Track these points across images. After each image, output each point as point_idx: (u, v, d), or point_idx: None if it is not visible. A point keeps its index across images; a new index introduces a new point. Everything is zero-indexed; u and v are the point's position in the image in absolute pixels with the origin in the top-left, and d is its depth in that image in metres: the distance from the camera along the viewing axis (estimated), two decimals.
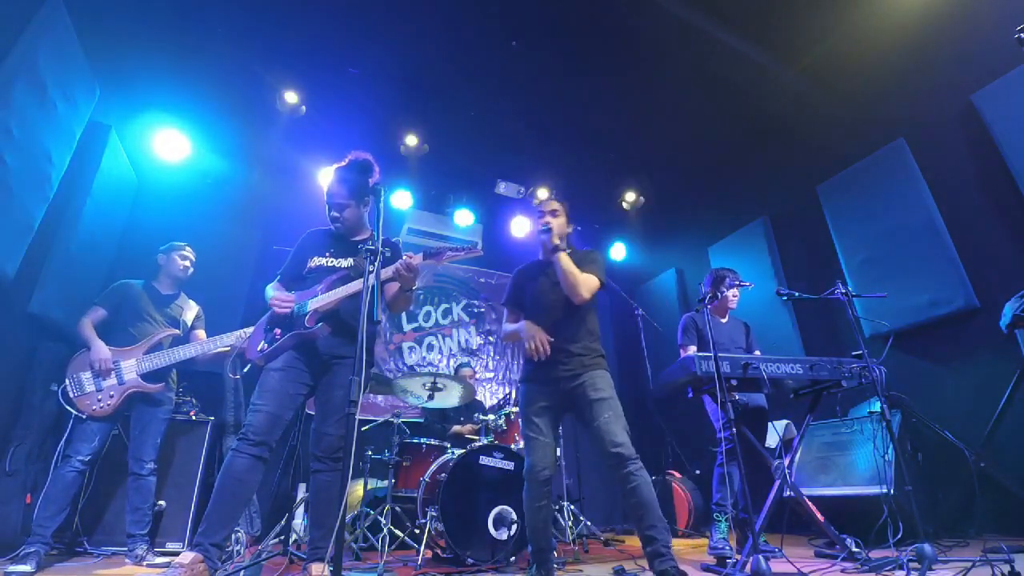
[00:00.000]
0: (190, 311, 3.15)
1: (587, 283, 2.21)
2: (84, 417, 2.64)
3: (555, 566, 2.22)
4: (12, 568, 2.27)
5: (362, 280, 1.81)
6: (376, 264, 1.83)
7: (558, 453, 2.17)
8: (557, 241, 2.26)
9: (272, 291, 2.31)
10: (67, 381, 2.67)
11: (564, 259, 2.21)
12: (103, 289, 3.81)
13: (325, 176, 4.69)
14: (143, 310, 2.97)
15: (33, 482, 2.87)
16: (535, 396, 2.22)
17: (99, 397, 2.67)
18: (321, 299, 2.16)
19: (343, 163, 2.36)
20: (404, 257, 2.09)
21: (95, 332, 2.80)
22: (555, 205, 2.41)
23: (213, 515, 1.93)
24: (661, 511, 1.95)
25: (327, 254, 2.33)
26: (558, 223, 2.35)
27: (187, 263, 3.16)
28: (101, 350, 2.72)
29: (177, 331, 3.00)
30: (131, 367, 2.76)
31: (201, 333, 3.13)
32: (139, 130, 4.15)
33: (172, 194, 4.47)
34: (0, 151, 2.49)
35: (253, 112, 4.46)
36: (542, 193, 2.50)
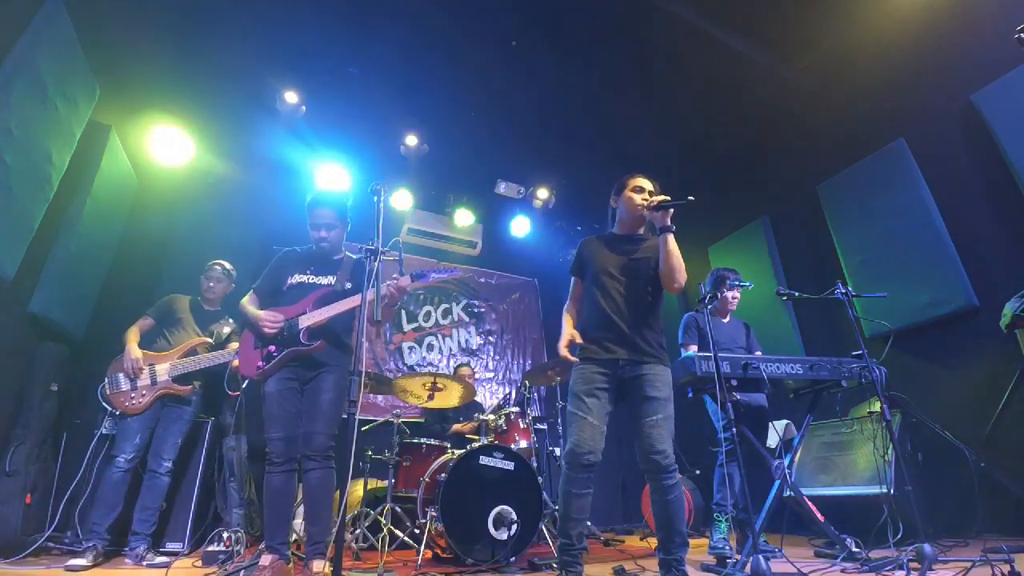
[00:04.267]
0: (227, 326, 3.30)
1: (685, 273, 2.08)
2: (117, 413, 2.86)
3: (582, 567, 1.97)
4: (72, 562, 2.47)
5: (353, 299, 2.00)
6: (376, 264, 1.92)
7: (602, 442, 1.98)
8: (668, 221, 2.07)
9: (251, 306, 2.42)
10: (106, 380, 2.88)
11: (674, 242, 2.06)
12: (103, 289, 3.82)
13: (326, 176, 4.75)
14: (184, 321, 3.16)
15: (33, 482, 2.87)
16: (591, 377, 2.03)
17: (132, 395, 2.87)
18: (314, 316, 2.32)
19: (325, 189, 2.55)
20: (393, 279, 2.26)
21: (135, 338, 2.98)
22: (651, 186, 2.24)
23: (269, 522, 2.21)
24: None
25: (308, 272, 2.47)
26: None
27: (213, 282, 3.30)
28: (132, 352, 2.90)
29: (210, 340, 3.15)
30: (164, 370, 2.94)
31: (234, 346, 3.21)
32: (139, 130, 4.14)
33: (172, 194, 4.47)
34: (0, 151, 2.49)
35: (253, 112, 4.45)
36: (644, 182, 2.23)
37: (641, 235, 2.27)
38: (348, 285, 2.41)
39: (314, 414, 2.26)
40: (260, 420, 2.32)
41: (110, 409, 2.85)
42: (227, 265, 3.38)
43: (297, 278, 2.44)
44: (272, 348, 2.31)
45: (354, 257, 2.09)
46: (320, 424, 2.23)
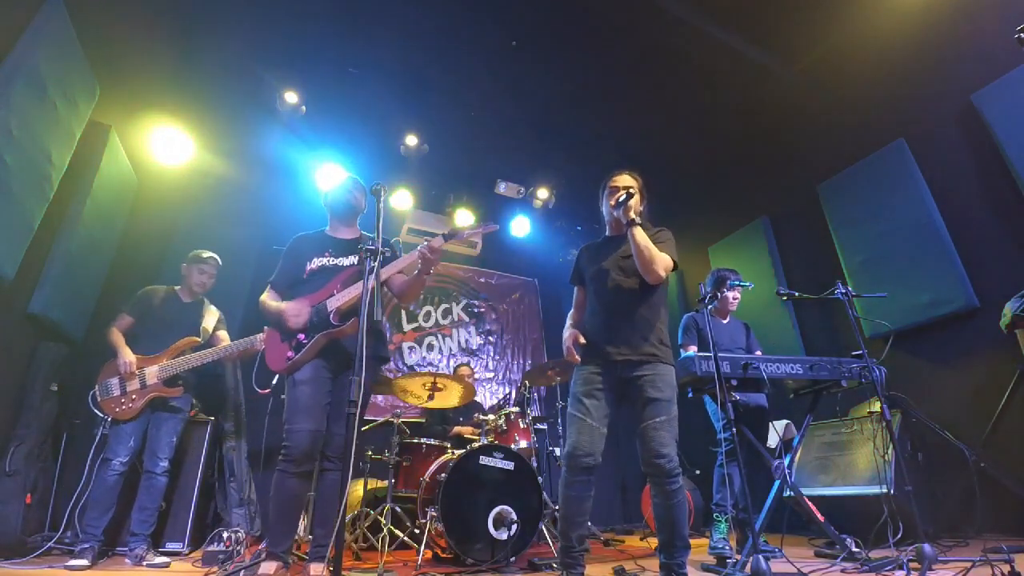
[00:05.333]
0: (211, 316, 3.20)
1: (663, 261, 2.04)
2: (109, 419, 2.79)
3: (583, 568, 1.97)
4: (72, 562, 2.48)
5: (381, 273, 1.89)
6: (376, 264, 1.88)
7: (602, 443, 1.98)
8: (633, 215, 2.05)
9: (271, 302, 2.34)
10: (96, 387, 2.82)
11: (640, 234, 2.02)
12: (103, 289, 3.80)
13: (327, 176, 4.74)
14: (166, 318, 3.05)
15: (33, 482, 2.87)
16: (591, 379, 2.04)
17: (122, 400, 2.81)
18: (342, 297, 2.22)
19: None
20: (425, 241, 2.21)
21: (122, 339, 2.90)
22: (629, 181, 2.23)
23: (276, 528, 2.11)
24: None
25: (327, 254, 2.39)
26: (634, 199, 2.16)
27: (205, 277, 3.22)
28: (126, 355, 2.84)
29: (197, 339, 3.06)
30: (154, 373, 2.88)
31: (223, 335, 3.17)
32: (139, 130, 4.14)
33: (172, 194, 4.47)
34: (0, 151, 2.49)
35: (253, 112, 4.45)
36: (618, 180, 2.26)
37: None
38: (372, 264, 2.37)
39: (340, 412, 2.19)
40: (262, 423, 2.27)
41: (101, 416, 2.80)
42: (218, 259, 3.30)
43: (317, 262, 2.36)
44: (301, 336, 2.21)
45: (370, 236, 2.03)
46: (343, 425, 2.13)
